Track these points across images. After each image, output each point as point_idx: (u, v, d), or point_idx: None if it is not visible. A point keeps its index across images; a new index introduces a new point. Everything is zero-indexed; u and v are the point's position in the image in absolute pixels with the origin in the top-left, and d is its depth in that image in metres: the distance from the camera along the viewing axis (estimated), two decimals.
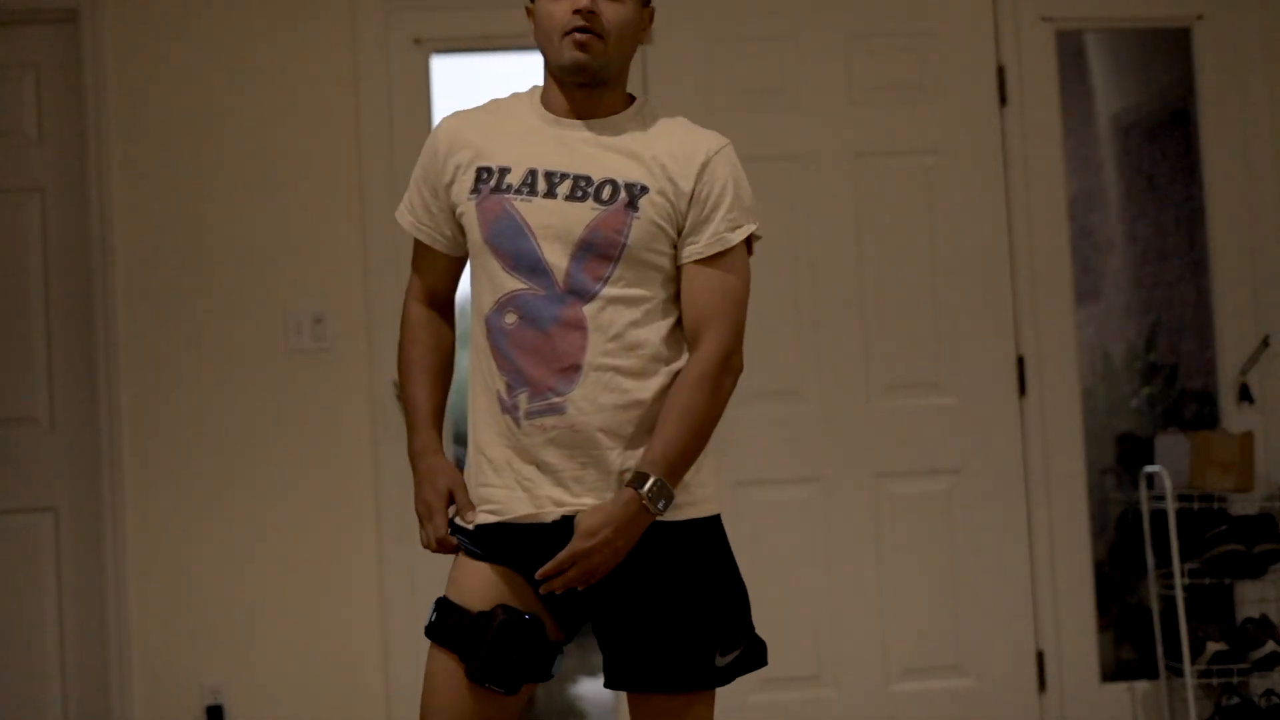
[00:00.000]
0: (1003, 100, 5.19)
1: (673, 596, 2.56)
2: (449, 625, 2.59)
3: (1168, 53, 6.00)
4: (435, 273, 2.76)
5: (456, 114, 2.74)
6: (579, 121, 2.64)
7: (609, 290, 2.54)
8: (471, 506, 2.61)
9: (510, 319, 2.56)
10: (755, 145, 4.96)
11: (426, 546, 2.65)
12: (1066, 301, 5.20)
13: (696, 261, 2.59)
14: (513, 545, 2.59)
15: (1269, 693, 5.03)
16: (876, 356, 5.11)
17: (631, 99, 2.71)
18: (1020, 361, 5.16)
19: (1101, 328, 7.23)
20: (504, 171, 2.61)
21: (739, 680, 2.63)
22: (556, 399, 2.53)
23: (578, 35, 2.58)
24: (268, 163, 4.97)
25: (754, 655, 2.63)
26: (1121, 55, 6.97)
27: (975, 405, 5.15)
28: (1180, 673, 5.00)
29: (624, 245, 2.54)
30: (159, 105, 4.95)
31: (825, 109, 5.13)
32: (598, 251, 2.54)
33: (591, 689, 6.20)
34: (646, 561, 2.55)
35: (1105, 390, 6.88)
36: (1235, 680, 5.01)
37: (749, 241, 2.65)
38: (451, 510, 2.64)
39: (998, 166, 5.18)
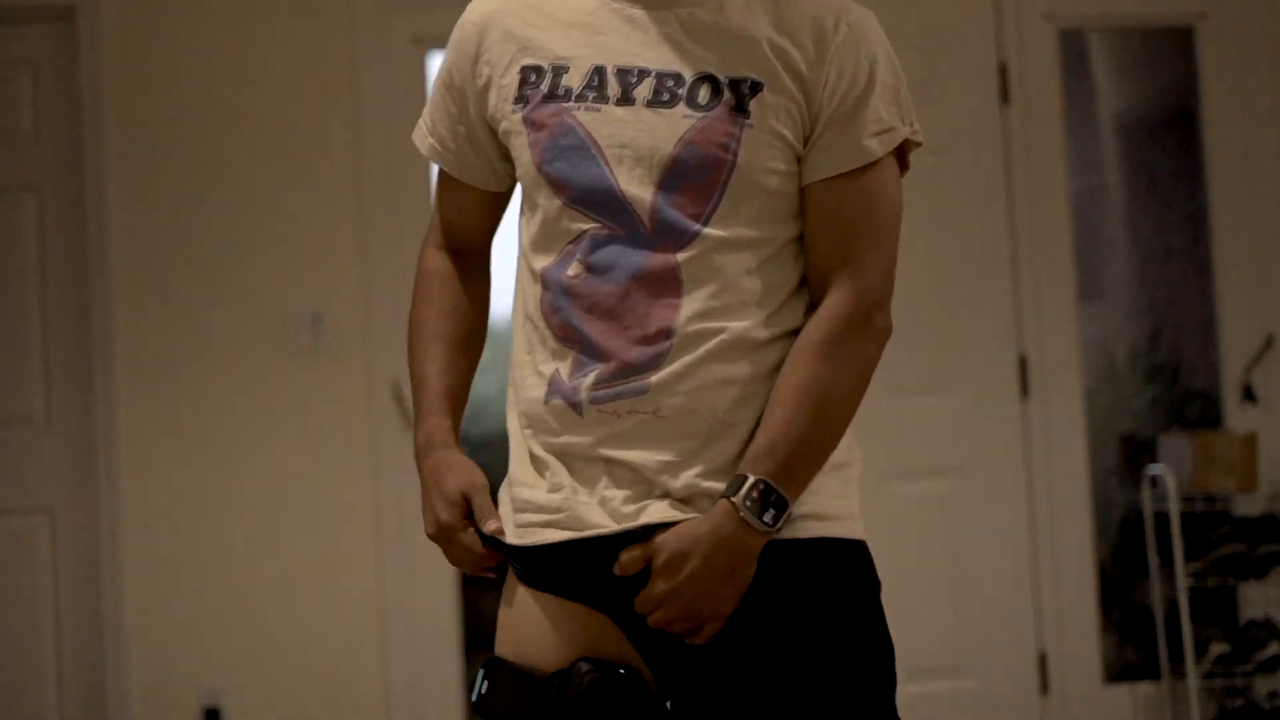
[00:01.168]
0: (1005, 99, 5.17)
1: (792, 650, 1.83)
2: (510, 694, 1.86)
3: (1171, 51, 5.98)
4: (463, 211, 2.05)
5: None
6: None
7: (713, 230, 1.84)
8: (493, 514, 1.92)
9: (574, 271, 1.87)
10: None
11: (461, 568, 1.97)
12: (1069, 301, 5.18)
13: (824, 180, 1.86)
14: (581, 569, 1.87)
15: (1272, 694, 5.02)
16: None
17: None
18: (1022, 361, 5.15)
19: (1104, 327, 7.21)
20: (559, 70, 1.91)
21: None
22: (636, 378, 1.84)
23: None
24: (265, 161, 4.95)
25: None
26: (1124, 54, 6.95)
27: (977, 405, 5.13)
28: (1183, 675, 4.99)
29: (732, 165, 1.84)
30: (156, 104, 4.94)
31: None
32: (696, 177, 1.84)
33: None
34: (754, 599, 1.83)
35: (1108, 390, 6.86)
36: (1239, 682, 5.00)
37: (902, 155, 1.92)
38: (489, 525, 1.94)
39: (1000, 165, 5.16)
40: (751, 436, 1.84)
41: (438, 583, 4.97)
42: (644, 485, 1.85)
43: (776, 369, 1.86)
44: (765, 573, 1.82)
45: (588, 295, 1.86)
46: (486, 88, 1.95)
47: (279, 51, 4.99)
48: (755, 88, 1.85)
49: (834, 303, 1.86)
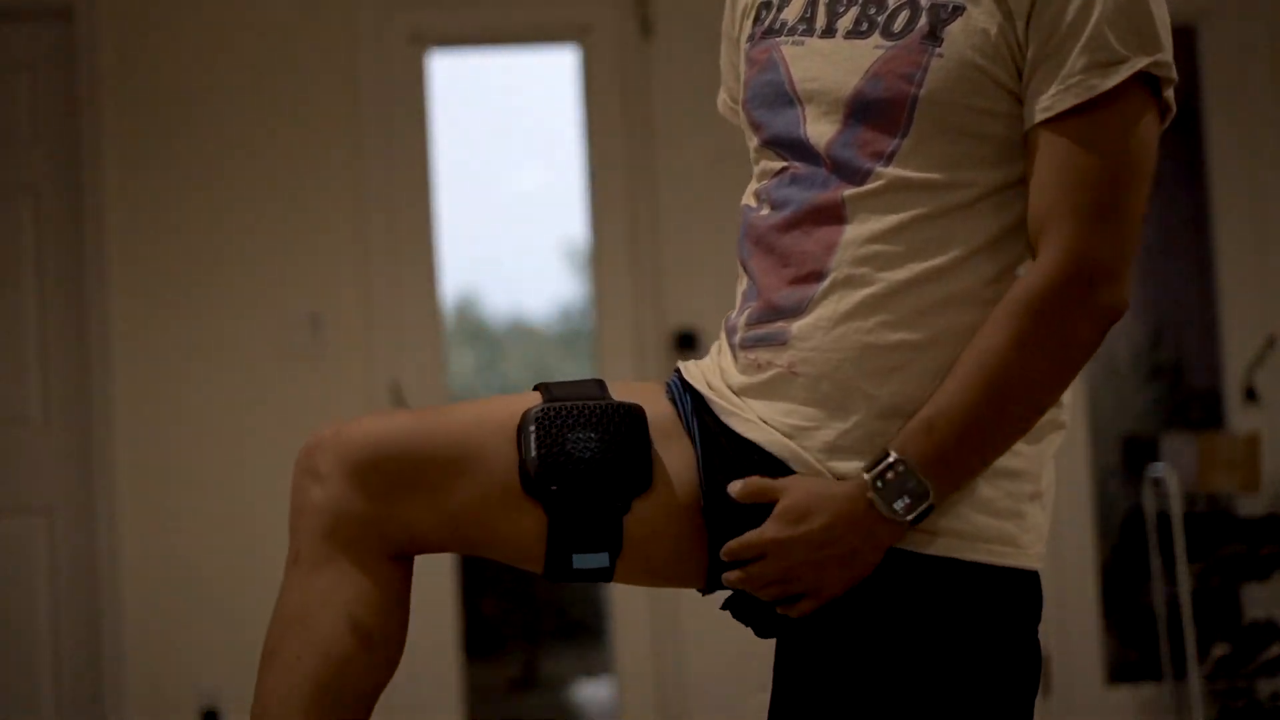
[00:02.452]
0: None
1: (920, 687, 1.59)
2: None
3: (1173, 50, 5.97)
4: None
5: None
6: None
7: (891, 170, 1.63)
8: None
9: (763, 212, 1.73)
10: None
11: None
12: None
13: (1039, 125, 1.60)
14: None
15: (1275, 696, 5.00)
16: None
17: None
18: None
19: None
20: (782, 4, 1.76)
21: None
22: (779, 323, 1.66)
23: None
24: (264, 161, 4.94)
25: None
26: None
27: None
28: (1185, 676, 4.97)
29: (913, 98, 1.61)
30: (154, 104, 4.93)
31: None
32: (878, 113, 1.64)
33: (591, 689, 6.17)
34: (868, 605, 1.61)
35: (1110, 390, 6.84)
36: (1241, 684, 4.98)
37: (1153, 87, 1.62)
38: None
39: None
40: (893, 413, 1.61)
41: (437, 583, 4.95)
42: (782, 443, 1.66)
43: (940, 339, 1.62)
44: (881, 584, 1.59)
45: (761, 237, 1.70)
46: (739, 31, 1.84)
47: (277, 50, 4.97)
48: (957, 11, 1.62)
49: (1040, 267, 1.58)
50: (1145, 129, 1.60)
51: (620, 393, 1.70)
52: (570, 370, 8.20)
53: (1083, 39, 1.57)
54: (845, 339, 1.62)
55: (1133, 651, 5.87)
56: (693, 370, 1.75)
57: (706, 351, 1.82)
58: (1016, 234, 1.64)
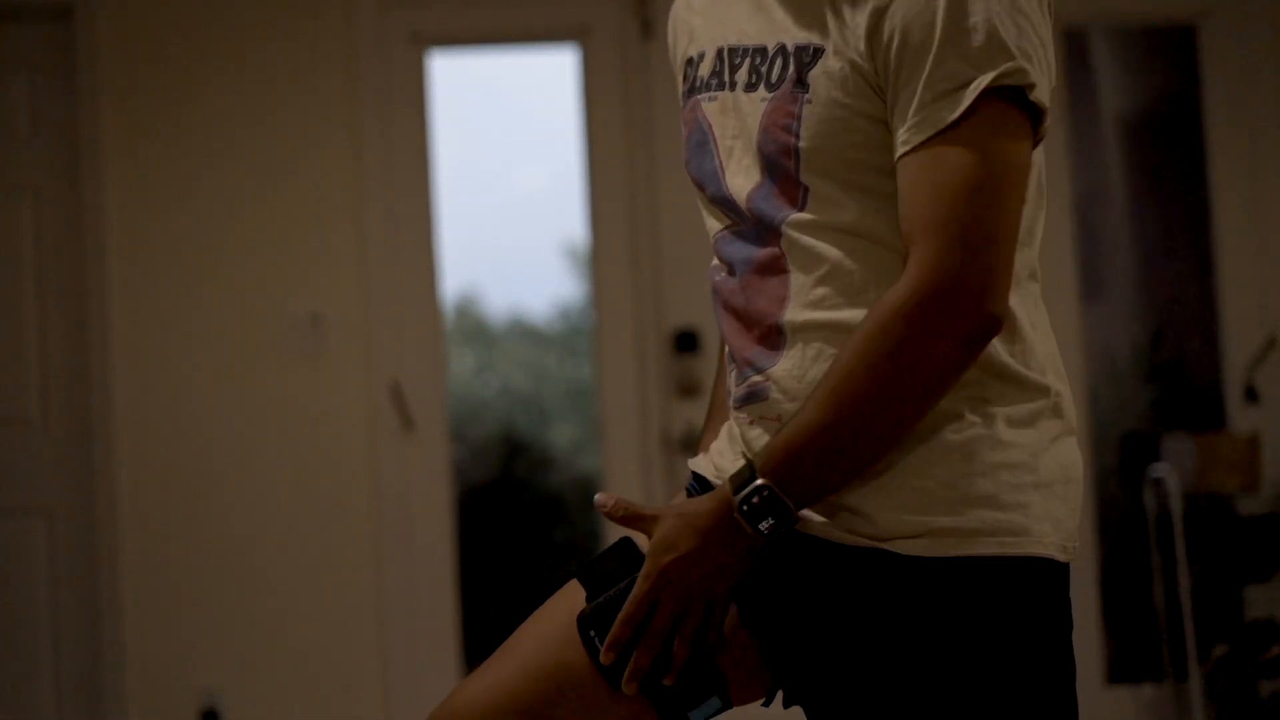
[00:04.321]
0: None
1: (917, 685, 1.59)
2: (597, 563, 1.75)
3: (1174, 50, 5.96)
4: None
5: None
6: None
7: (804, 215, 1.63)
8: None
9: (723, 270, 1.75)
10: None
11: None
12: (1070, 300, 5.17)
13: (905, 155, 1.57)
14: None
15: (1276, 696, 5.00)
16: None
17: None
18: None
19: (1106, 327, 7.19)
20: (699, 60, 1.75)
21: None
22: (757, 378, 1.68)
23: None
24: (264, 160, 4.94)
25: None
26: (1127, 53, 6.93)
27: None
28: (1186, 676, 4.97)
29: (796, 149, 1.61)
30: (153, 103, 4.93)
31: None
32: (781, 164, 1.64)
33: None
34: (862, 609, 1.62)
35: (1110, 390, 6.84)
36: (1242, 684, 4.98)
37: (1014, 94, 1.57)
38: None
39: None
40: None
41: (437, 584, 4.95)
42: None
43: None
44: (903, 593, 1.60)
45: (725, 296, 1.72)
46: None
47: (277, 50, 4.97)
48: (816, 54, 1.60)
49: (896, 287, 1.56)
50: (1005, 141, 1.55)
51: None
52: (570, 370, 8.19)
53: (926, 68, 1.55)
54: (815, 382, 1.63)
55: (1133, 651, 5.87)
56: (703, 462, 1.80)
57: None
58: None
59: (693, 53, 1.76)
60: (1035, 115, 1.59)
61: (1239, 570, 5.00)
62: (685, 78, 1.77)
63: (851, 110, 1.59)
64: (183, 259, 4.92)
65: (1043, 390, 1.67)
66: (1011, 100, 1.56)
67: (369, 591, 4.91)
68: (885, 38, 1.56)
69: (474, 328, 7.75)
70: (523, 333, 7.91)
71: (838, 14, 1.59)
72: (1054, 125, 5.26)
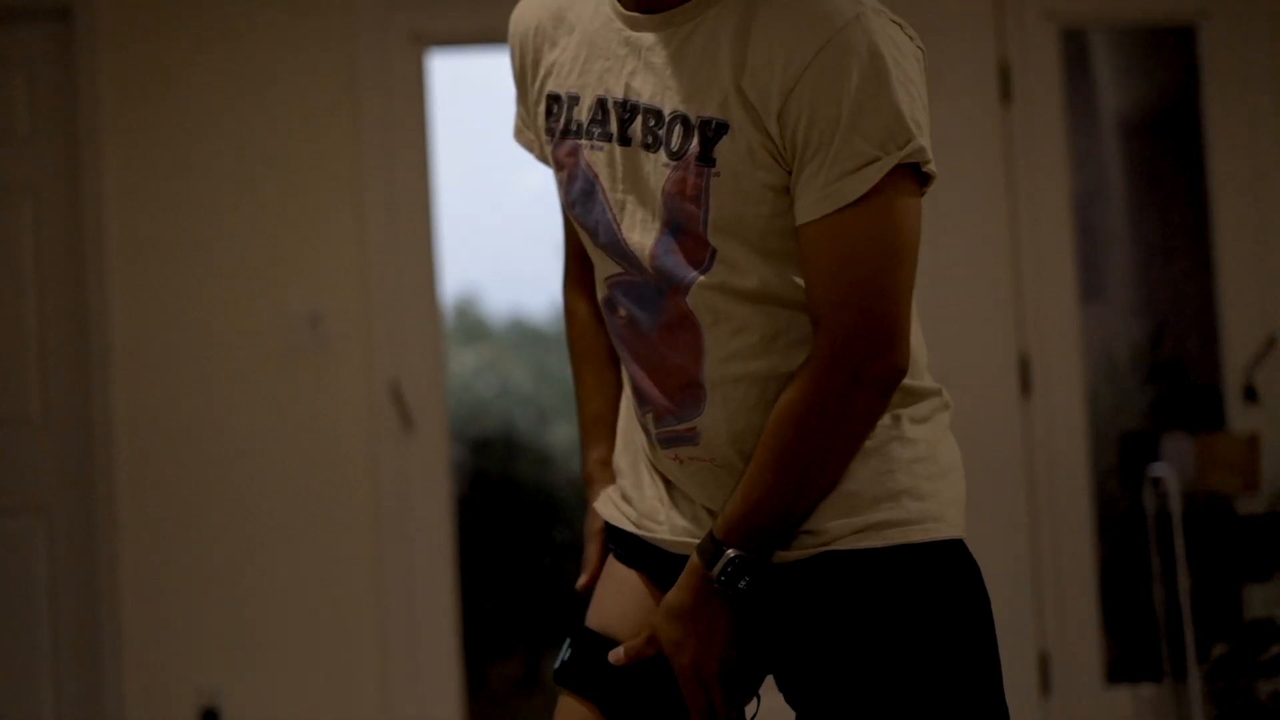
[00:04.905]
0: (1006, 98, 5.16)
1: (875, 660, 1.75)
2: (588, 664, 1.88)
3: (1173, 50, 5.97)
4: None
5: None
6: (647, 16, 1.74)
7: (712, 277, 1.72)
8: (588, 570, 1.99)
9: (622, 314, 1.82)
10: None
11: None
12: (1070, 301, 5.17)
13: (811, 223, 1.67)
14: (661, 562, 1.89)
15: (1275, 696, 5.00)
16: None
17: None
18: (1023, 361, 5.14)
19: (1105, 327, 7.19)
20: (573, 102, 1.79)
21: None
22: (683, 427, 1.80)
23: None
24: (264, 160, 4.94)
25: None
26: (1126, 53, 6.93)
27: (977, 405, 5.11)
28: (1185, 676, 4.97)
29: (705, 219, 1.70)
30: (153, 103, 4.93)
31: None
32: (685, 227, 1.72)
33: None
34: (825, 605, 1.78)
35: (1109, 390, 6.84)
36: (1241, 683, 4.98)
37: (915, 174, 1.70)
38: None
39: (1000, 164, 5.15)
40: None
41: (437, 583, 4.95)
42: (701, 518, 1.85)
43: None
44: (848, 578, 1.77)
45: (631, 343, 1.83)
46: (533, 109, 1.88)
47: (277, 50, 4.98)
48: (721, 129, 1.68)
49: (813, 361, 1.70)
50: (903, 211, 1.67)
51: (598, 613, 1.91)
52: (570, 370, 8.19)
53: (834, 147, 1.64)
54: (746, 431, 1.76)
55: (1132, 651, 5.87)
56: (613, 511, 1.93)
57: None
58: None
59: (559, 90, 1.81)
60: (925, 179, 1.73)
61: (1238, 570, 5.00)
62: (550, 112, 1.82)
63: (759, 183, 1.67)
64: (182, 259, 4.92)
65: (933, 390, 1.86)
66: (908, 171, 1.68)
67: (369, 590, 4.91)
68: (794, 118, 1.64)
69: (474, 328, 7.75)
70: (523, 333, 7.91)
71: (741, 94, 1.66)
72: (1053, 125, 5.26)
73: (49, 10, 4.93)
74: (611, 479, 1.97)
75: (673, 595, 1.80)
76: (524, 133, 1.94)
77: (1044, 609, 5.09)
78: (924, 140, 1.69)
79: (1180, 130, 6.35)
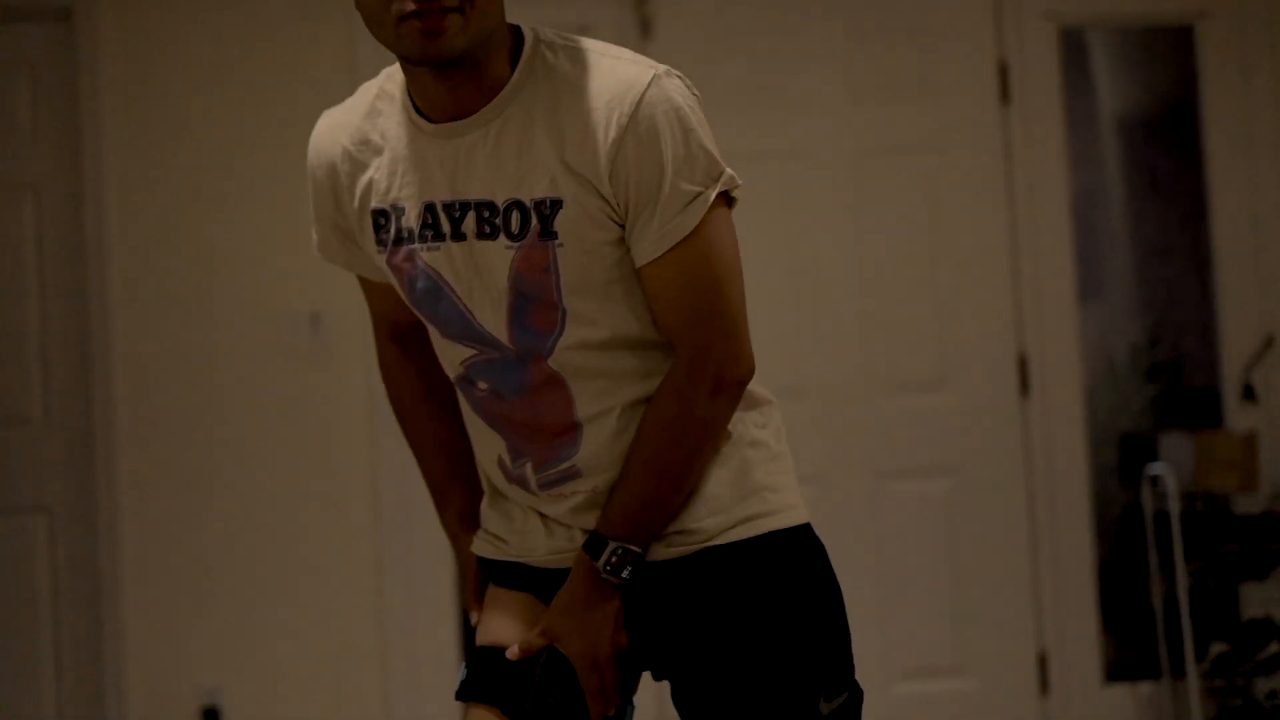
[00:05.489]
0: (1005, 97, 5.17)
1: (756, 632, 1.98)
2: (484, 675, 2.06)
3: (1171, 50, 5.97)
4: (387, 302, 2.17)
5: (329, 121, 2.11)
6: (459, 123, 1.92)
7: (568, 336, 1.94)
8: (475, 606, 2.16)
9: (482, 387, 2.02)
10: (755, 142, 4.94)
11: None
12: (1069, 300, 5.18)
13: (652, 262, 1.90)
14: (540, 580, 2.09)
15: (1273, 694, 5.01)
16: (877, 355, 5.08)
17: (516, 50, 1.93)
18: (1022, 360, 5.14)
19: (1104, 326, 7.20)
20: (399, 212, 1.97)
21: None
22: (566, 464, 2.00)
23: (419, 23, 1.83)
24: (264, 160, 4.95)
25: (856, 706, 2.10)
26: (1125, 53, 6.94)
27: (976, 404, 5.12)
28: (1183, 674, 4.98)
29: (556, 284, 1.91)
30: (154, 103, 4.93)
31: (825, 106, 5.11)
32: (536, 298, 1.92)
33: None
34: (708, 594, 2.00)
35: (1108, 389, 6.85)
36: (1239, 682, 4.99)
37: (725, 198, 1.94)
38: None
39: (999, 164, 5.16)
40: None
41: (437, 583, 4.96)
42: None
43: None
44: (715, 569, 1.99)
45: (501, 413, 2.02)
46: (354, 226, 2.06)
47: (278, 51, 4.98)
48: (555, 205, 1.88)
49: (673, 376, 1.94)
50: (724, 231, 1.92)
51: (486, 631, 2.09)
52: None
53: (664, 194, 1.86)
54: (620, 453, 1.98)
55: (1131, 650, 5.88)
56: (490, 550, 2.12)
57: None
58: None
59: (383, 205, 1.99)
60: (732, 201, 1.95)
61: (1236, 569, 5.01)
62: (379, 226, 1.99)
63: (599, 241, 1.89)
64: (183, 258, 4.93)
65: (767, 395, 2.08)
66: (721, 197, 1.92)
67: (369, 590, 4.92)
68: (623, 178, 1.86)
69: None
70: None
71: (569, 169, 1.86)
72: (1052, 125, 5.27)
73: (50, 10, 4.93)
74: (471, 530, 2.16)
75: (563, 592, 2.00)
76: (326, 247, 2.15)
77: (1043, 608, 5.10)
78: (728, 168, 1.92)
79: (1179, 130, 6.36)
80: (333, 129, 2.07)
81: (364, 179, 2.01)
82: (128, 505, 4.84)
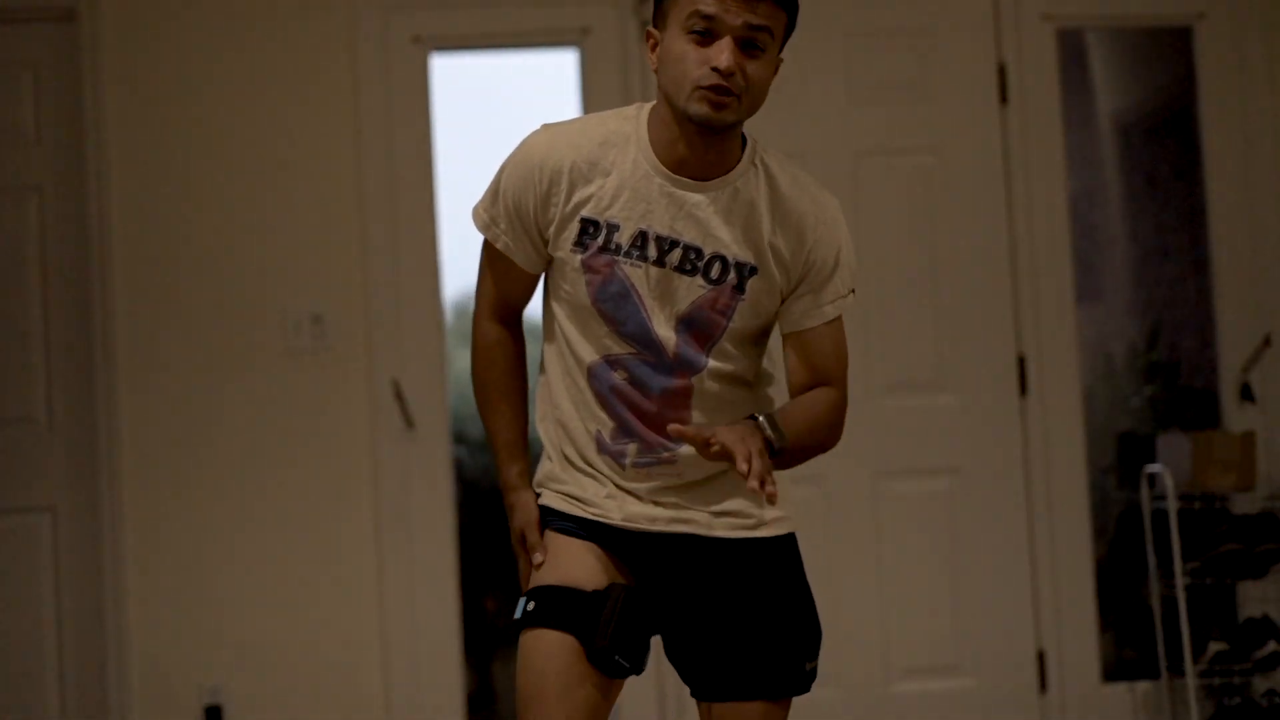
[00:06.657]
0: (1003, 99, 5.18)
1: (767, 607, 2.58)
2: (560, 606, 2.49)
3: (1169, 51, 5.99)
4: (514, 285, 2.59)
5: (559, 136, 2.53)
6: (693, 181, 2.47)
7: (713, 364, 2.51)
8: (539, 547, 2.59)
9: (619, 376, 2.52)
10: None
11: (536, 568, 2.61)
12: (1067, 300, 5.19)
13: (800, 331, 2.55)
14: (611, 537, 2.57)
15: (1270, 693, 5.02)
16: (876, 356, 5.09)
17: (743, 141, 2.53)
18: (1021, 361, 5.15)
19: (1102, 327, 7.22)
20: (613, 229, 2.47)
21: None
22: (666, 453, 2.54)
23: (713, 95, 2.39)
24: (266, 161, 4.96)
25: (815, 672, 2.67)
26: (1123, 54, 6.95)
27: (976, 405, 5.13)
28: (1182, 673, 4.99)
29: (726, 327, 2.50)
30: (157, 104, 4.95)
31: (825, 108, 5.12)
32: (700, 328, 2.49)
33: None
34: (732, 574, 2.57)
35: (1106, 389, 6.87)
36: (1237, 680, 5.00)
37: None
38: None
39: (998, 165, 5.17)
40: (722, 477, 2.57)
41: (438, 583, 4.97)
42: (662, 504, 2.57)
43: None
44: (741, 557, 2.57)
45: (631, 401, 2.52)
46: (553, 222, 2.49)
47: (280, 52, 5.00)
48: (752, 271, 2.48)
49: (834, 394, 2.57)
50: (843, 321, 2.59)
51: (557, 570, 2.55)
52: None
53: (831, 284, 2.53)
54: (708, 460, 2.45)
55: (1129, 649, 5.89)
56: (561, 503, 2.58)
57: None
58: (764, 373, 2.62)
59: (597, 217, 2.47)
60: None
61: (1234, 568, 5.02)
62: (585, 231, 2.48)
63: (766, 307, 2.52)
64: (185, 258, 4.94)
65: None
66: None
67: (370, 590, 4.93)
68: (808, 265, 2.51)
69: None
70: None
71: (774, 249, 2.49)
72: (1050, 126, 5.28)
73: (54, 12, 4.94)
74: (529, 486, 2.61)
75: (730, 423, 2.45)
76: (493, 227, 2.54)
77: (1042, 607, 5.11)
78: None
79: (1176, 131, 6.37)
80: (565, 146, 2.49)
81: (585, 191, 2.47)
82: (130, 505, 4.85)
